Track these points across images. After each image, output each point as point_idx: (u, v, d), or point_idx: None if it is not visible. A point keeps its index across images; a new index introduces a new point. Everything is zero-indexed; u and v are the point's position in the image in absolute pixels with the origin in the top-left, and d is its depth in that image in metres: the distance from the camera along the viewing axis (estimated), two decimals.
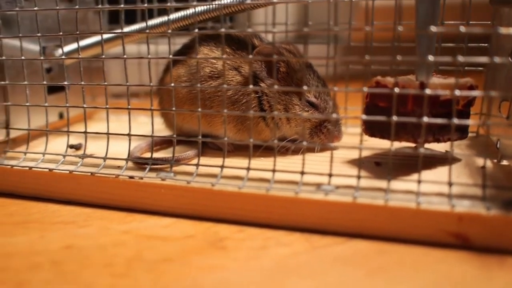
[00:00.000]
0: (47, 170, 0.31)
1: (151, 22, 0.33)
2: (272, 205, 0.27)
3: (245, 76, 0.32)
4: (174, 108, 0.29)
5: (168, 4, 0.28)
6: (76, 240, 0.27)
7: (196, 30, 0.28)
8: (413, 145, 0.31)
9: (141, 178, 0.29)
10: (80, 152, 0.35)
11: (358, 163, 0.28)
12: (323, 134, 0.32)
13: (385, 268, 0.23)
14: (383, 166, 0.30)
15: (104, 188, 0.30)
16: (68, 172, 0.31)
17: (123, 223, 0.29)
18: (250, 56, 0.28)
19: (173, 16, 0.32)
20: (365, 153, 0.33)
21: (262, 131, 0.32)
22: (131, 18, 0.38)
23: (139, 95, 0.47)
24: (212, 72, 0.32)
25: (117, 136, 0.31)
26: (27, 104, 0.33)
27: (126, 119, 0.32)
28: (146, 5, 0.29)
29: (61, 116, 0.40)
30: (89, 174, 0.30)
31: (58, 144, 0.35)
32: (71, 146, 0.35)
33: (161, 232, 0.27)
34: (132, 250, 0.26)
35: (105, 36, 0.35)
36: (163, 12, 0.34)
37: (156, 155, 0.33)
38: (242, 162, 0.30)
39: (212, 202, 0.28)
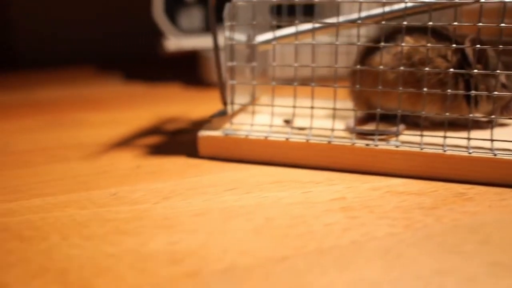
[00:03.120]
0: (284, 139, 0.37)
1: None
2: (499, 167, 0.33)
3: (450, 62, 0.37)
4: (401, 88, 0.35)
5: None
6: (342, 194, 0.32)
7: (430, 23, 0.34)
8: None
9: (376, 145, 0.35)
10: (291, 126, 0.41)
11: None
12: (510, 110, 0.38)
13: None
14: None
15: (339, 154, 0.36)
16: (304, 141, 0.36)
17: (366, 182, 0.34)
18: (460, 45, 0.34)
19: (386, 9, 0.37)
20: None
21: (462, 110, 0.38)
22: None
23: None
24: (422, 59, 0.37)
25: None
26: (251, 82, 0.39)
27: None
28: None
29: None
30: (326, 142, 0.36)
31: (265, 119, 0.41)
32: (286, 121, 0.40)
33: (404, 189, 0.33)
34: (392, 201, 0.31)
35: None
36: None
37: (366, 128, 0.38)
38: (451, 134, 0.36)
39: (441, 165, 0.34)
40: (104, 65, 0.93)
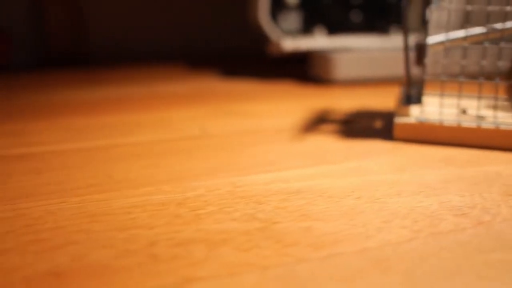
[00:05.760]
0: (475, 126, 0.44)
1: None
2: None
3: None
4: None
5: None
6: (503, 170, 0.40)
7: None
8: None
9: None
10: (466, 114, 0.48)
11: None
12: None
13: None
14: None
15: None
16: (494, 127, 0.44)
17: None
18: None
19: None
20: None
21: None
22: None
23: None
24: None
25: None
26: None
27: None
28: None
29: None
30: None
31: (436, 108, 0.48)
32: (463, 111, 0.48)
33: None
34: None
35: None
36: None
37: None
38: None
39: None
40: (190, 63, 0.99)
